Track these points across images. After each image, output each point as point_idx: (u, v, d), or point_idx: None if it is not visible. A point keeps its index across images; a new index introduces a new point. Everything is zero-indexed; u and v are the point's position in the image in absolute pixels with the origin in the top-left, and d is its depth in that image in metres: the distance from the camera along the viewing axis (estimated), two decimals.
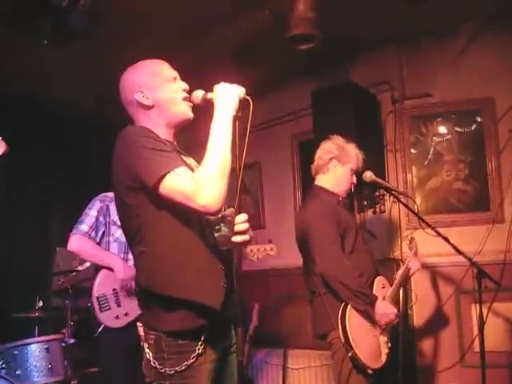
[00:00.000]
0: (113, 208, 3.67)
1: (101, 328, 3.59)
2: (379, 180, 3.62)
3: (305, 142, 5.48)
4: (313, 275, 3.31)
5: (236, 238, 2.02)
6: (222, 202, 1.93)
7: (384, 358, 3.23)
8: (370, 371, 3.12)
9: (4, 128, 5.52)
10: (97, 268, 3.71)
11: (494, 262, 4.30)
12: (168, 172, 1.91)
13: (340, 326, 3.12)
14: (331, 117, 4.53)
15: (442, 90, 4.83)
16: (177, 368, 2.01)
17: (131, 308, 3.51)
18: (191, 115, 2.20)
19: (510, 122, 4.54)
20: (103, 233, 3.71)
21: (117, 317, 3.53)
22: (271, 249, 2.95)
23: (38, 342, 3.90)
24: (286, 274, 5.22)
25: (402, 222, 4.88)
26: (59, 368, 3.92)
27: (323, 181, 3.49)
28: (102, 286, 3.59)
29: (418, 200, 4.75)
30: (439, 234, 3.59)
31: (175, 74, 2.25)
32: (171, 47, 4.15)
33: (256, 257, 2.91)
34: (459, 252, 3.60)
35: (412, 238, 3.83)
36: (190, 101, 2.19)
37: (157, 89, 2.18)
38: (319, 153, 3.53)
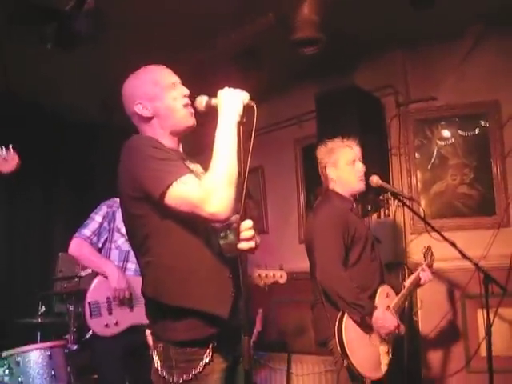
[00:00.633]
0: (119, 214, 3.62)
1: (89, 334, 3.57)
2: (386, 185, 3.59)
3: (308, 146, 5.46)
4: (315, 281, 3.29)
5: (242, 245, 1.97)
6: (231, 209, 1.89)
7: (384, 368, 3.18)
8: (367, 382, 3.08)
9: (8, 134, 5.56)
10: (95, 274, 3.67)
11: (500, 266, 4.27)
12: (174, 181, 1.89)
13: (336, 335, 3.09)
14: (335, 121, 4.51)
15: (447, 94, 4.82)
16: (184, 377, 1.98)
17: (123, 318, 3.48)
18: (193, 122, 2.17)
19: None
20: (106, 239, 3.68)
21: (106, 325, 3.48)
22: (281, 276, 2.91)
23: (40, 349, 3.86)
24: (289, 279, 5.18)
25: (406, 226, 4.85)
26: (62, 375, 3.88)
27: (333, 186, 3.46)
28: (95, 292, 3.55)
29: (423, 204, 4.72)
30: (445, 239, 3.56)
31: (175, 79, 2.20)
32: (175, 51, 4.15)
33: (263, 282, 2.85)
34: (465, 257, 3.58)
35: (429, 248, 3.72)
36: (192, 106, 2.15)
37: (155, 98, 2.14)
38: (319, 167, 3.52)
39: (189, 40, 4.47)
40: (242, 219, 1.99)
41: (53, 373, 3.79)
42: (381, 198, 4.91)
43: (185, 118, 2.16)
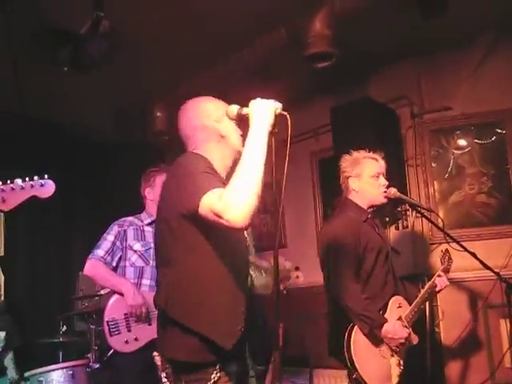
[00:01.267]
0: (130, 233, 3.73)
1: (110, 352, 3.62)
2: (404, 196, 3.56)
3: (325, 159, 5.46)
4: (327, 293, 3.31)
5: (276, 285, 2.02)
6: (250, 218, 1.86)
7: (395, 380, 3.14)
8: None
9: (25, 153, 5.65)
10: (113, 292, 3.72)
11: None
12: (202, 195, 1.91)
13: (345, 347, 3.08)
14: (351, 133, 4.52)
15: (462, 103, 4.80)
16: None
17: (141, 333, 3.52)
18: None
19: None
20: (120, 257, 3.73)
21: (126, 341, 3.52)
22: (297, 276, 2.93)
23: (62, 368, 3.89)
24: (309, 293, 5.17)
25: (425, 237, 4.82)
26: None
27: (352, 196, 3.45)
28: (113, 310, 3.60)
29: (441, 214, 4.68)
30: (465, 249, 3.53)
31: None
32: (188, 70, 4.19)
33: (282, 287, 2.87)
34: (486, 267, 3.54)
35: (446, 251, 3.66)
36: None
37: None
38: (340, 176, 3.51)
39: (202, 58, 4.51)
40: (277, 249, 2.00)
41: None
42: (399, 209, 4.89)
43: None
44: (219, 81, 4.64)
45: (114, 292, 3.68)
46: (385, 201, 3.38)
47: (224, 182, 2.16)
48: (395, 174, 4.52)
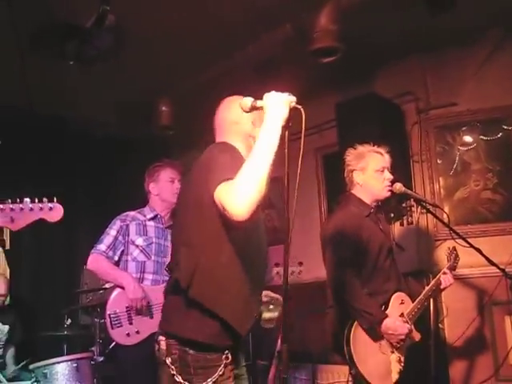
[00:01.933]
0: (132, 228, 3.77)
1: (112, 345, 3.71)
2: (409, 191, 3.55)
3: (329, 154, 5.45)
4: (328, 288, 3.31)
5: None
6: (249, 213, 1.88)
7: (395, 376, 3.14)
8: None
9: (29, 148, 5.66)
10: (115, 286, 3.76)
11: None
12: (222, 181, 1.95)
13: (344, 343, 3.08)
14: (356, 129, 4.51)
15: (467, 99, 4.78)
16: (204, 383, 2.02)
17: (143, 326, 3.55)
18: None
19: None
20: (122, 252, 3.77)
21: (128, 334, 3.56)
22: (300, 272, 2.94)
23: (67, 361, 3.91)
24: (313, 288, 5.17)
25: (430, 233, 4.81)
26: None
27: (356, 191, 3.44)
28: (115, 303, 3.64)
29: (446, 211, 4.66)
30: (471, 245, 3.52)
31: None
32: (194, 64, 4.19)
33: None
34: (492, 263, 3.53)
35: (453, 248, 3.66)
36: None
37: None
38: (345, 170, 3.50)
39: (207, 53, 4.51)
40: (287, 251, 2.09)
41: None
42: (403, 205, 4.88)
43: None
44: (224, 76, 4.63)
45: (116, 286, 3.71)
46: (388, 195, 3.37)
47: None
48: (400, 170, 4.50)
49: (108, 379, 4.22)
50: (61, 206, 2.35)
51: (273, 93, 2.01)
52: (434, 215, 3.89)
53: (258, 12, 4.04)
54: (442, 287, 3.48)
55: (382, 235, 3.35)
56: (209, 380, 2.02)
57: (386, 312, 3.19)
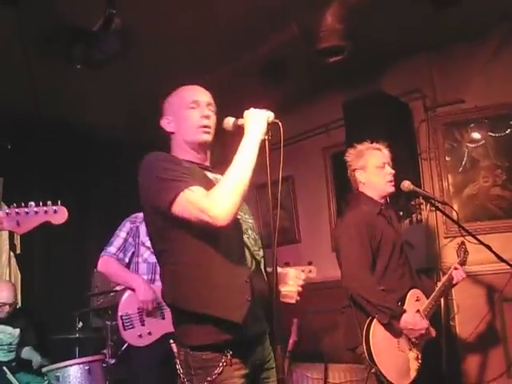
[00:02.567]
0: (143, 229, 3.75)
1: (124, 346, 3.75)
2: (417, 189, 3.55)
3: (337, 153, 5.45)
4: (343, 286, 3.30)
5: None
6: (231, 216, 1.98)
7: (413, 374, 3.14)
8: None
9: (38, 153, 5.69)
10: (126, 288, 3.79)
11: None
12: (181, 190, 2.00)
13: (363, 341, 3.08)
14: (363, 127, 4.49)
15: (475, 96, 4.77)
16: (203, 383, 2.04)
17: (155, 327, 3.57)
18: (204, 139, 2.28)
19: None
20: (132, 253, 3.80)
21: (140, 335, 3.59)
22: (310, 271, 2.95)
23: (79, 364, 3.93)
24: (323, 288, 5.17)
25: (439, 230, 4.80)
26: None
27: (362, 189, 3.45)
28: (126, 305, 3.67)
29: (456, 208, 4.65)
30: (481, 242, 3.51)
31: (201, 98, 2.32)
32: (201, 67, 4.19)
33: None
34: (502, 260, 3.52)
35: (462, 243, 3.67)
36: (207, 127, 2.28)
37: (177, 116, 2.31)
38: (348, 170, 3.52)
39: (214, 55, 4.52)
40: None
41: None
42: (412, 203, 4.87)
43: (195, 135, 2.28)
44: (231, 77, 4.65)
45: (127, 288, 3.74)
46: (392, 190, 3.38)
47: (205, 168, 2.29)
48: (409, 168, 4.51)
49: (120, 382, 4.24)
50: (65, 209, 2.40)
51: (252, 109, 2.14)
52: (443, 212, 3.89)
53: (264, 13, 4.04)
54: (454, 282, 3.49)
55: (394, 233, 3.36)
56: (207, 379, 2.03)
57: None
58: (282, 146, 2.08)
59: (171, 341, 2.20)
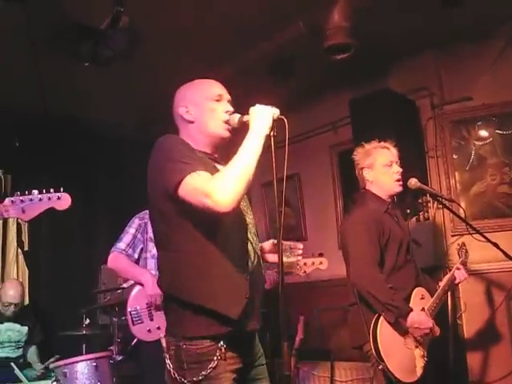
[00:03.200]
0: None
1: (134, 341, 3.79)
2: (424, 186, 3.56)
3: (344, 151, 5.44)
4: (349, 283, 3.29)
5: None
6: (235, 203, 1.98)
7: (419, 371, 3.14)
8: None
9: (46, 150, 5.71)
10: (135, 284, 3.84)
11: None
12: (189, 173, 2.01)
13: (371, 339, 3.08)
14: (370, 125, 4.48)
15: (482, 93, 4.75)
16: (195, 378, 2.04)
17: (164, 322, 3.56)
18: (226, 135, 2.28)
19: None
20: (141, 249, 3.87)
21: (149, 330, 3.66)
22: (321, 262, 2.96)
23: (86, 360, 3.94)
24: (330, 286, 5.17)
25: (447, 228, 4.79)
26: None
27: (369, 188, 3.45)
28: (135, 300, 3.73)
29: (463, 206, 4.63)
30: (488, 240, 3.50)
31: (223, 93, 2.32)
32: (209, 63, 4.20)
33: (303, 271, 2.92)
34: (509, 258, 3.51)
35: (463, 244, 3.71)
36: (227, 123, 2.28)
37: (199, 106, 2.29)
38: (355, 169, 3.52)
39: (221, 52, 4.52)
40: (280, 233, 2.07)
41: (99, 383, 3.86)
42: (419, 201, 4.86)
43: (219, 132, 2.27)
44: (238, 74, 4.64)
45: (136, 283, 3.78)
46: (400, 189, 3.38)
47: (215, 160, 2.29)
48: (416, 166, 4.49)
49: (127, 378, 4.26)
50: (68, 195, 2.43)
51: (257, 106, 2.15)
52: (451, 210, 3.88)
53: (271, 10, 4.04)
54: (456, 282, 3.51)
55: (400, 231, 3.35)
56: (201, 374, 2.03)
57: None
58: (287, 142, 2.07)
59: (161, 335, 2.19)
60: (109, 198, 6.41)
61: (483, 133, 4.80)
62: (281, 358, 2.02)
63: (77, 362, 3.92)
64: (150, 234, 3.78)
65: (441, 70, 4.96)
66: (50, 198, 2.40)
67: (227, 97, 2.32)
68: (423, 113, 5.02)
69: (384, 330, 3.09)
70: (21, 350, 4.94)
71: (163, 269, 2.20)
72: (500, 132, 4.71)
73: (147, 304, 3.68)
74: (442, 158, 4.90)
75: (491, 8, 4.23)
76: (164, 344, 2.18)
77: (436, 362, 3.34)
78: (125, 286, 4.49)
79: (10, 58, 4.40)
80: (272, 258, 2.41)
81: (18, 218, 2.61)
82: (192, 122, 2.30)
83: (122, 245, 3.83)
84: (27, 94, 4.93)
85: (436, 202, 4.63)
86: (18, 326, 4.92)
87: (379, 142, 3.47)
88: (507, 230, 4.50)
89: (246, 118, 2.18)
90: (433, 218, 4.89)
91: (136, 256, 3.84)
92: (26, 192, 2.38)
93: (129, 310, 3.70)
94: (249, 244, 2.22)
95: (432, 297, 3.35)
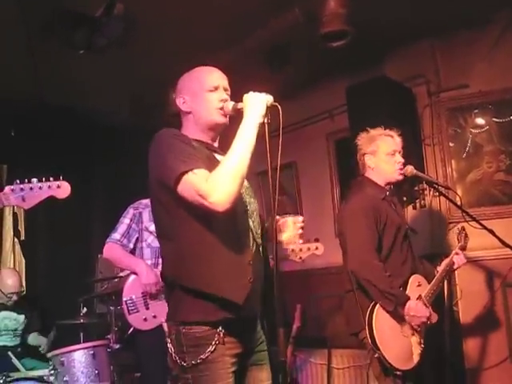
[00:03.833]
0: (145, 215, 3.86)
1: (130, 330, 3.79)
2: (420, 174, 3.55)
3: (341, 139, 5.44)
4: (346, 271, 3.29)
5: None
6: (230, 202, 2.01)
7: (416, 358, 3.15)
8: (398, 373, 3.06)
9: (41, 139, 5.68)
10: (131, 273, 3.85)
11: None
12: (188, 170, 2.03)
13: (366, 326, 3.09)
14: (367, 113, 4.47)
15: (479, 81, 4.74)
16: (194, 361, 2.07)
17: (160, 311, 3.62)
18: (221, 120, 2.29)
19: None
20: (137, 239, 3.89)
21: (145, 319, 3.68)
22: (316, 248, 2.96)
23: (84, 349, 3.95)
24: (326, 274, 5.18)
25: (443, 216, 4.80)
26: (106, 373, 3.96)
27: (369, 174, 3.45)
28: (130, 289, 3.75)
29: (459, 193, 4.62)
30: (484, 227, 3.51)
31: (220, 83, 2.32)
32: (204, 51, 4.17)
33: (299, 257, 2.91)
34: (505, 245, 3.52)
35: (462, 229, 3.69)
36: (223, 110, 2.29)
37: (195, 97, 2.31)
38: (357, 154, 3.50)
39: (217, 39, 4.49)
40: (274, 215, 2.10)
41: (96, 371, 3.89)
42: (416, 188, 4.86)
43: (213, 116, 2.29)
44: (234, 62, 4.61)
45: (131, 273, 3.80)
46: (400, 178, 3.37)
47: (214, 150, 2.32)
48: (412, 154, 4.48)
49: (124, 367, 4.27)
50: (68, 184, 2.45)
51: (251, 93, 2.16)
52: (447, 197, 3.89)
53: None
54: (455, 267, 3.51)
55: (398, 218, 3.35)
56: (199, 357, 2.06)
57: None
58: (281, 129, 2.08)
59: (163, 319, 2.22)
60: (105, 187, 6.40)
61: (480, 120, 4.80)
62: (277, 345, 2.03)
63: (74, 350, 3.93)
64: (145, 223, 3.83)
65: (437, 58, 4.95)
66: (49, 187, 2.41)
67: (224, 85, 2.32)
68: (420, 100, 5.01)
69: (380, 318, 3.09)
70: (18, 338, 4.94)
71: (165, 257, 2.24)
72: (496, 120, 4.71)
73: (142, 293, 3.69)
74: (438, 145, 4.90)
75: None
76: (166, 328, 2.24)
77: (432, 348, 3.35)
78: (121, 274, 4.49)
79: (4, 46, 4.37)
80: (281, 236, 2.41)
81: (17, 206, 2.61)
82: (189, 113, 2.32)
83: (116, 235, 3.85)
84: (22, 83, 4.91)
85: (432, 190, 4.64)
86: (14, 315, 4.92)
87: (384, 129, 3.46)
88: (503, 217, 4.51)
89: (240, 105, 2.19)
90: (429, 205, 4.89)
91: (131, 246, 3.87)
92: (26, 180, 2.38)
93: (124, 299, 3.71)
94: (250, 232, 2.24)
95: (429, 283, 3.35)
